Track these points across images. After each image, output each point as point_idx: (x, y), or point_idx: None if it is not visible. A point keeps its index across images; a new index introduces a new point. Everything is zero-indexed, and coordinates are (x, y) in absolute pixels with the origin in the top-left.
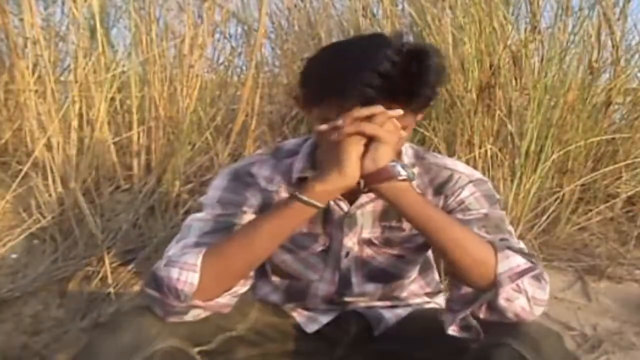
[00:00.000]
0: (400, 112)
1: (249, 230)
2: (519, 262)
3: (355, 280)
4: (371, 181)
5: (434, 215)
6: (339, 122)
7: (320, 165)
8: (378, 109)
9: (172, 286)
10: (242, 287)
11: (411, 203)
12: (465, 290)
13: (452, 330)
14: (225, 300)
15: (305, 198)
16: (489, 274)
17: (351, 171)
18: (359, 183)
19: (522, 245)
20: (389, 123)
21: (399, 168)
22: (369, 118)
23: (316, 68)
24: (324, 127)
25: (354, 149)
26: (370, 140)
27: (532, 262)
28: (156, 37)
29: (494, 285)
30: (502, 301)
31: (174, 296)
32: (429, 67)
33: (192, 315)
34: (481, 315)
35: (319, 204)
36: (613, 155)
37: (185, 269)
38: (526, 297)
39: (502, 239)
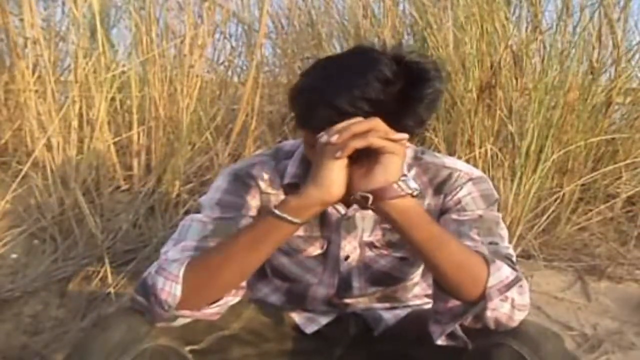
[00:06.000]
0: (406, 136)
1: (227, 245)
2: (507, 273)
3: (357, 284)
4: (381, 197)
5: (437, 233)
6: (335, 137)
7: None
8: (376, 121)
9: (157, 296)
10: (234, 298)
11: (417, 222)
12: (453, 303)
13: (440, 341)
14: (213, 310)
15: (277, 212)
16: (480, 288)
17: (329, 186)
18: (366, 199)
19: (510, 250)
20: (390, 133)
21: (410, 183)
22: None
23: (297, 95)
24: (323, 139)
25: (334, 163)
26: (358, 153)
27: (514, 269)
28: (156, 37)
29: (483, 298)
30: (488, 312)
31: (158, 305)
32: (422, 99)
33: (180, 322)
34: (465, 323)
35: (294, 220)
36: (613, 155)
37: (169, 280)
38: (511, 305)
39: (491, 242)
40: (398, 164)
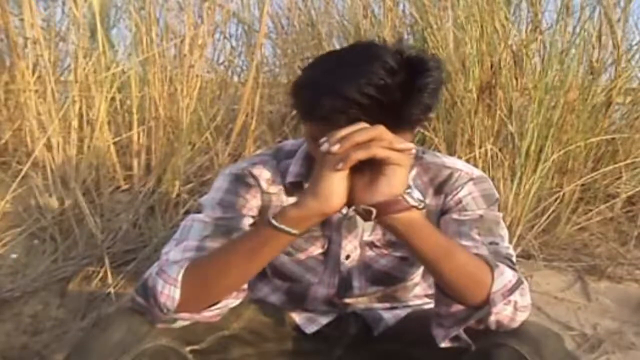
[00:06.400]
0: (411, 145)
1: (225, 253)
2: (510, 277)
3: (357, 283)
4: (385, 211)
5: (441, 243)
6: (336, 147)
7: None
8: (380, 129)
9: (156, 298)
10: (234, 300)
11: (422, 233)
12: (456, 307)
13: (444, 344)
14: (213, 313)
15: (276, 224)
16: (484, 294)
17: (329, 197)
18: (369, 212)
19: (510, 250)
20: (395, 143)
21: (415, 194)
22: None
23: (302, 87)
24: (324, 147)
25: (334, 174)
26: (361, 162)
27: (514, 269)
28: (156, 37)
29: (487, 303)
30: (492, 316)
31: (158, 308)
32: (424, 88)
33: (180, 324)
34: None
35: (292, 231)
36: (613, 155)
37: (169, 283)
38: (513, 307)
39: (491, 243)
40: (403, 176)
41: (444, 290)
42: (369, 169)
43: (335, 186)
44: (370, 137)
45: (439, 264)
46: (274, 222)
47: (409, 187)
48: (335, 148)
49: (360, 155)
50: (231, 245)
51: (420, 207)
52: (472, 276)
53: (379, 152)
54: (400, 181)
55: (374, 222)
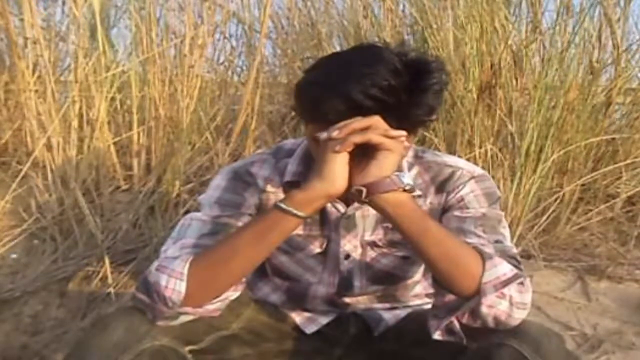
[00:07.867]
0: (404, 133)
1: (233, 239)
2: (505, 270)
3: (357, 283)
4: (374, 190)
5: (431, 228)
6: (335, 132)
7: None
8: (375, 119)
9: (160, 293)
10: (234, 293)
11: (411, 216)
12: (449, 297)
13: (437, 335)
14: (215, 306)
15: (283, 206)
16: (474, 283)
17: (333, 179)
18: (360, 192)
19: (514, 249)
20: (389, 131)
21: (404, 178)
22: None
23: (306, 88)
24: (324, 135)
25: (337, 157)
26: (359, 149)
27: (518, 268)
28: (156, 37)
29: (478, 293)
30: (484, 308)
31: (162, 303)
32: (428, 89)
33: (181, 320)
34: (463, 321)
35: (299, 213)
36: (613, 155)
37: (173, 277)
38: (509, 302)
39: (496, 241)
40: (392, 160)
41: (436, 278)
42: (365, 157)
43: (339, 169)
44: (367, 125)
45: (427, 249)
46: (281, 204)
47: (399, 171)
48: (335, 134)
49: (357, 139)
50: (237, 233)
51: (407, 189)
52: (462, 264)
53: (373, 138)
54: (390, 165)
55: (375, 222)
